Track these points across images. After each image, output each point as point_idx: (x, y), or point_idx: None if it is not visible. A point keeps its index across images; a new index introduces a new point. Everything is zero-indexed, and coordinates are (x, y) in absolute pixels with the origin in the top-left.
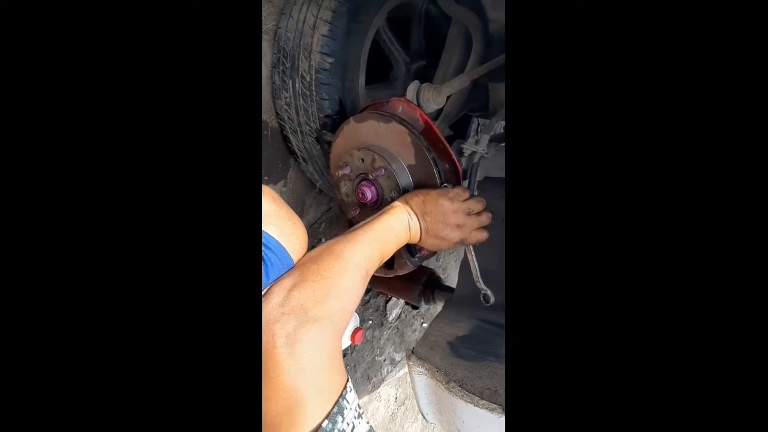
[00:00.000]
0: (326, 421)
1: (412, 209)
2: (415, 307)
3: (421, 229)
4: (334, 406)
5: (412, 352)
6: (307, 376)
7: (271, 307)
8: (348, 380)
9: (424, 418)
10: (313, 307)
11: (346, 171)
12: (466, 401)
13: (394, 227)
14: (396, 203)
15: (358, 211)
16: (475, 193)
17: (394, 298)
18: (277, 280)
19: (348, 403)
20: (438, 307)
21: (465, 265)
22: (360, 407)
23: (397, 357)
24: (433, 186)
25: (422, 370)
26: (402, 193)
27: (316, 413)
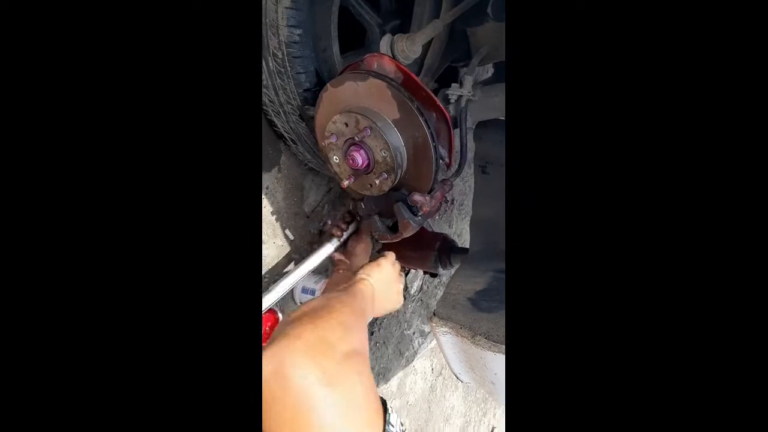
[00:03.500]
0: None
1: (372, 284)
2: (434, 275)
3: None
4: None
5: (434, 314)
6: (354, 416)
7: (290, 352)
8: (387, 407)
9: (457, 378)
10: (342, 346)
11: (332, 139)
12: (494, 352)
13: (357, 296)
14: (363, 278)
15: (352, 180)
16: (471, 141)
17: (413, 271)
18: (275, 336)
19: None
20: (455, 268)
21: (475, 223)
22: (403, 424)
23: (426, 328)
24: (424, 138)
25: (446, 329)
26: (392, 151)
27: None
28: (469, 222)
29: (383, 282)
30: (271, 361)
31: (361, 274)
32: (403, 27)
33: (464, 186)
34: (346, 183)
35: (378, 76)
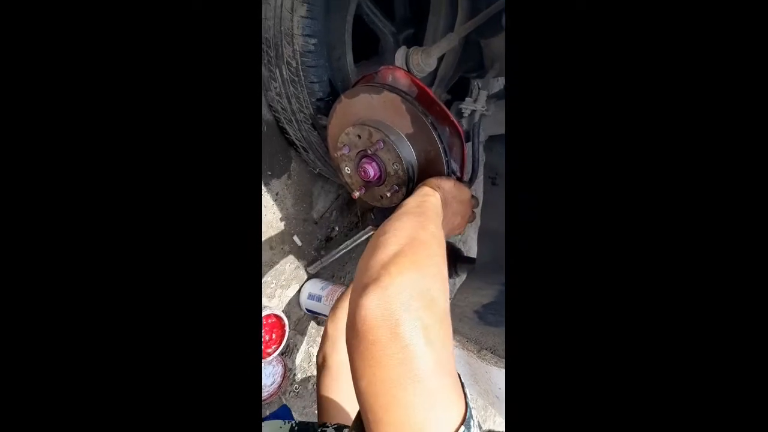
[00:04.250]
0: (462, 427)
1: (442, 197)
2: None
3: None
4: (466, 411)
5: None
6: (447, 378)
7: (400, 303)
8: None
9: None
10: (443, 301)
11: (345, 151)
12: (500, 367)
13: (436, 217)
14: (429, 190)
15: (363, 191)
16: (482, 155)
17: None
18: (375, 247)
19: (472, 414)
20: (462, 278)
21: (483, 234)
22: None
23: None
24: (436, 153)
25: (453, 342)
26: (404, 164)
27: (453, 419)
28: (474, 228)
29: (454, 197)
30: (379, 305)
31: (432, 185)
32: (417, 36)
33: (474, 194)
34: (357, 194)
35: (392, 89)
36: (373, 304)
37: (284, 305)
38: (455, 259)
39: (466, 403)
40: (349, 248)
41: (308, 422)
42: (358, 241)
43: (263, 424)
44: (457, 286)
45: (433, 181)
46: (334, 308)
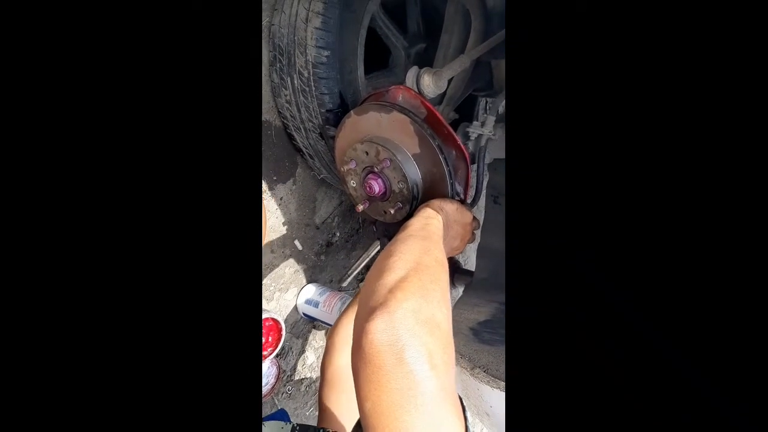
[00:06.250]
0: None
1: (444, 219)
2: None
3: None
4: None
5: None
6: (448, 402)
7: (406, 329)
8: (464, 404)
9: None
10: (447, 327)
11: (352, 165)
12: (492, 387)
13: (439, 241)
14: (432, 213)
15: (367, 205)
16: (486, 174)
17: None
18: (378, 276)
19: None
20: (458, 291)
21: (483, 250)
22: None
23: None
24: (441, 175)
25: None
26: (409, 183)
27: None
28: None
29: (455, 221)
30: (385, 329)
31: (435, 207)
32: (428, 51)
33: (476, 213)
34: (361, 207)
35: (402, 110)
36: (379, 328)
37: (282, 308)
38: (453, 270)
39: (466, 426)
40: (371, 257)
41: (308, 425)
42: (375, 250)
43: (264, 424)
44: (455, 300)
45: (436, 203)
46: (337, 322)
